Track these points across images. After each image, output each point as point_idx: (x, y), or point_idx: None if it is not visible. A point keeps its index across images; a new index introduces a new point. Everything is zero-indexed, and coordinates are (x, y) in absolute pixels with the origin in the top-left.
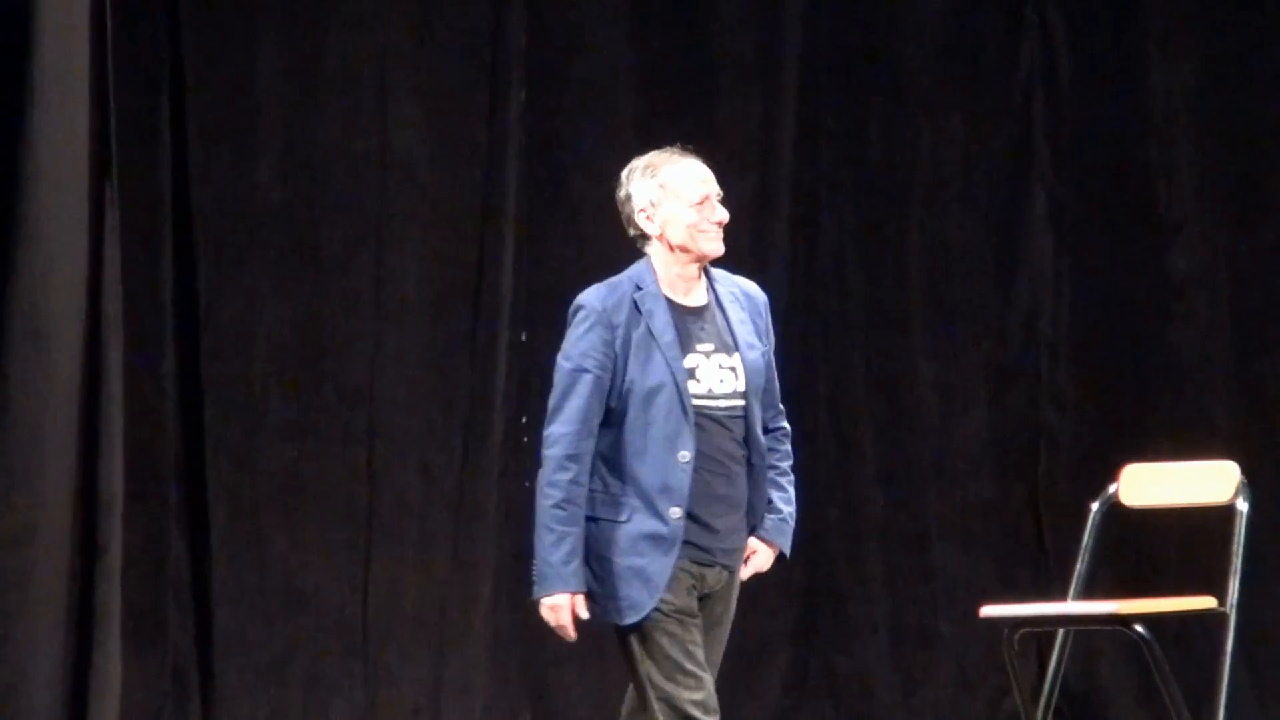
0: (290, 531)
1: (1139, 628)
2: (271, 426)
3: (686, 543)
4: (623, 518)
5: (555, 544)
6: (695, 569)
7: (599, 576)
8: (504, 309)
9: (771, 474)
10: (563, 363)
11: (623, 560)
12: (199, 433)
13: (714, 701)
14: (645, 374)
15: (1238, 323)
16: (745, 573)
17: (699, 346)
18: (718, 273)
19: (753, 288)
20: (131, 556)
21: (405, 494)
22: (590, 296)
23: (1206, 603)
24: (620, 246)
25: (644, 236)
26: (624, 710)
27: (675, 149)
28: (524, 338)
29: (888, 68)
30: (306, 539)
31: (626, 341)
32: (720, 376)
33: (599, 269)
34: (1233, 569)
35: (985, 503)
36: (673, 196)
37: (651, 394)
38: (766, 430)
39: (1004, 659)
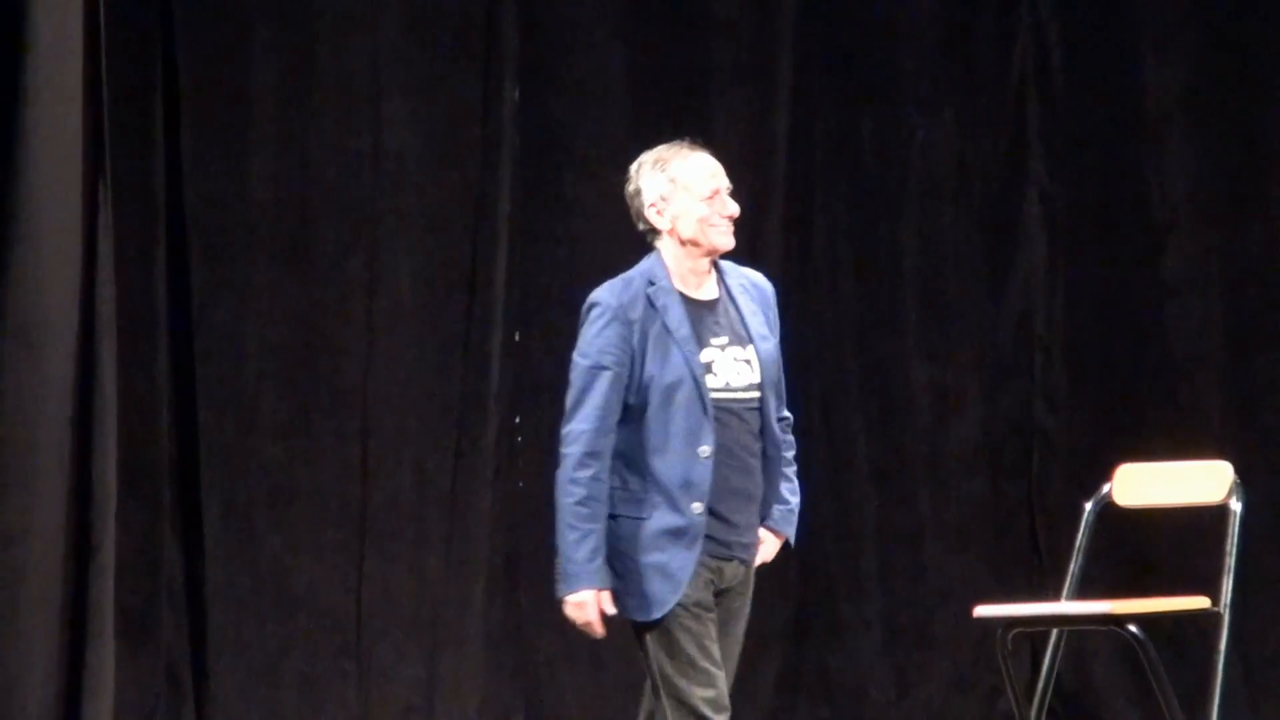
0: (284, 531)
1: (1133, 628)
2: (265, 426)
3: (706, 537)
4: (644, 514)
5: (579, 541)
6: (714, 564)
7: (620, 573)
8: (497, 308)
9: None
10: (579, 360)
11: (645, 557)
12: (192, 432)
13: (725, 699)
14: (664, 369)
15: (1231, 322)
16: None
17: (714, 340)
18: (726, 265)
19: (760, 279)
20: (125, 556)
21: (399, 494)
22: (604, 293)
23: (1200, 603)
24: (615, 246)
25: (654, 231)
26: (642, 711)
27: (684, 143)
28: (517, 337)
29: (881, 68)
30: (300, 539)
31: (644, 337)
32: (736, 369)
33: (593, 269)
34: (1226, 569)
35: (979, 502)
36: (683, 191)
37: (670, 389)
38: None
39: (997, 659)
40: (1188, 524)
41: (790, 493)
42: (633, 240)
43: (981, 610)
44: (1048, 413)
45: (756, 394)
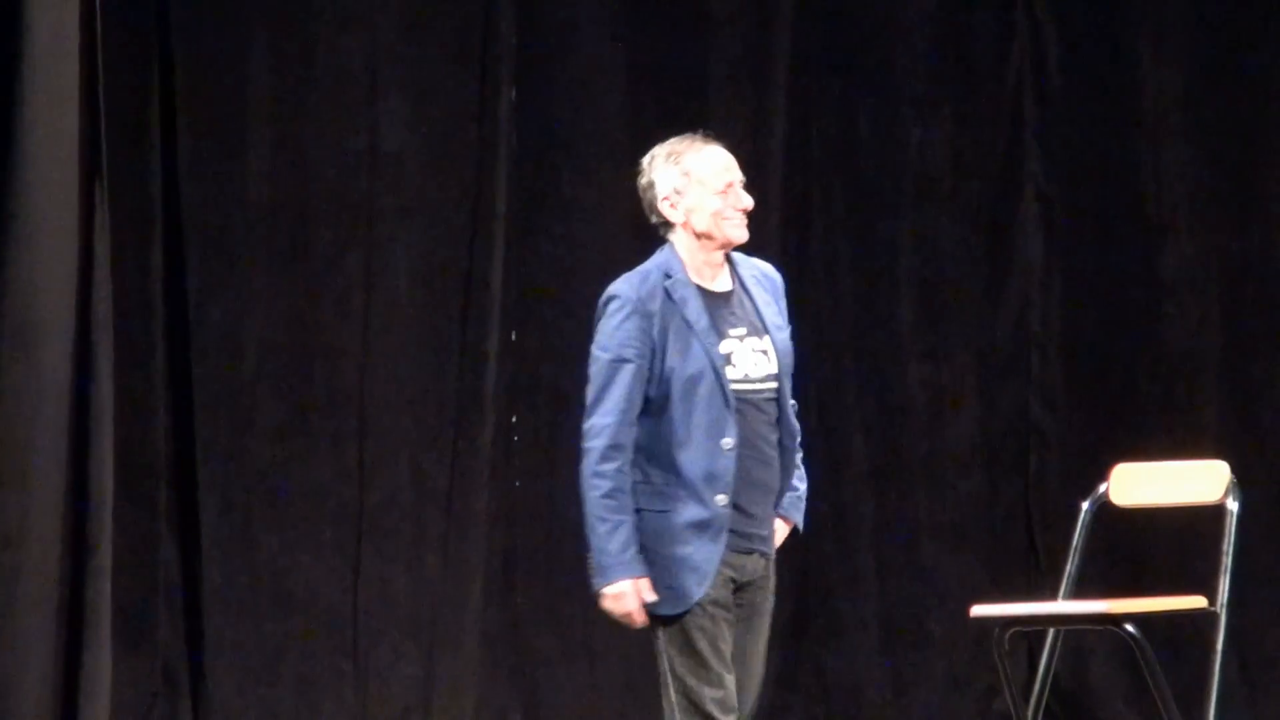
0: (281, 531)
1: (1129, 627)
2: (261, 426)
3: (730, 531)
4: (668, 508)
5: (610, 533)
6: (735, 558)
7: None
8: (494, 308)
9: None
10: (599, 354)
11: (670, 550)
12: (189, 432)
13: (733, 700)
14: (685, 362)
15: (1228, 322)
16: None
17: (731, 332)
18: (737, 256)
19: (770, 269)
20: (121, 556)
21: (395, 494)
22: (622, 286)
23: (1197, 602)
24: (612, 245)
25: (667, 224)
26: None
27: (697, 135)
28: (514, 337)
29: (878, 67)
30: (297, 539)
31: (664, 330)
32: (754, 360)
33: (590, 268)
34: (1223, 568)
35: (975, 502)
36: (697, 184)
37: (692, 382)
38: None
39: (994, 658)
40: (1185, 523)
41: (799, 479)
42: (630, 239)
43: (978, 609)
44: (1045, 412)
45: (774, 384)
